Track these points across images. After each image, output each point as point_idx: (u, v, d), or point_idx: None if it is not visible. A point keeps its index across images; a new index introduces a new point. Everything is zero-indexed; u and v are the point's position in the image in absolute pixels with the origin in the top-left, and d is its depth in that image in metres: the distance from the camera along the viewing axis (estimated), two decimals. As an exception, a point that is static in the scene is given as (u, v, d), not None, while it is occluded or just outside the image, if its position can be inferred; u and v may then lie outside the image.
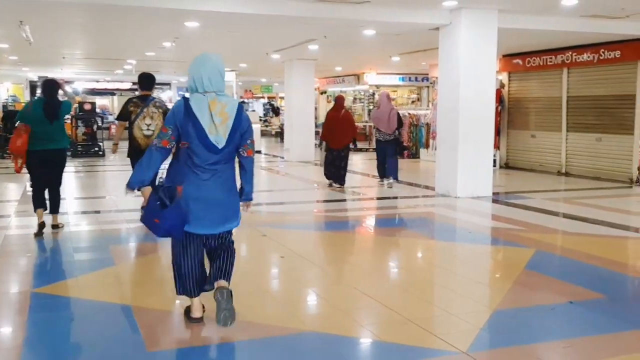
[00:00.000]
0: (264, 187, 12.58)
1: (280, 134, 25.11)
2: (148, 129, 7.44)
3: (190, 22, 10.32)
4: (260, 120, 26.08)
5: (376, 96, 20.87)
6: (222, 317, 3.93)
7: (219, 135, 3.81)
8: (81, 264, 5.86)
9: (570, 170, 13.24)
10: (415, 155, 17.20)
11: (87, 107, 17.90)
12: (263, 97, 36.75)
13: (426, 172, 13.58)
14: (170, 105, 4.97)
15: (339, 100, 11.41)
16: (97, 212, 8.67)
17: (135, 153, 7.47)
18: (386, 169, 11.44)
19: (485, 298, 4.95)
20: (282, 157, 17.63)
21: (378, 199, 10.50)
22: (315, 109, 21.86)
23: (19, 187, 10.74)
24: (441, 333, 4.02)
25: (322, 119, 24.02)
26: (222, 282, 4.04)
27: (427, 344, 3.84)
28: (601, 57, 12.22)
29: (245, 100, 34.79)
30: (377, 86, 22.59)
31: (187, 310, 4.20)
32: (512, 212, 8.63)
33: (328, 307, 4.66)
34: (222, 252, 4.11)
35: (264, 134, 26.29)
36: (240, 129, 3.91)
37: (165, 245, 6.04)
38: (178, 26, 10.91)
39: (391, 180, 11.39)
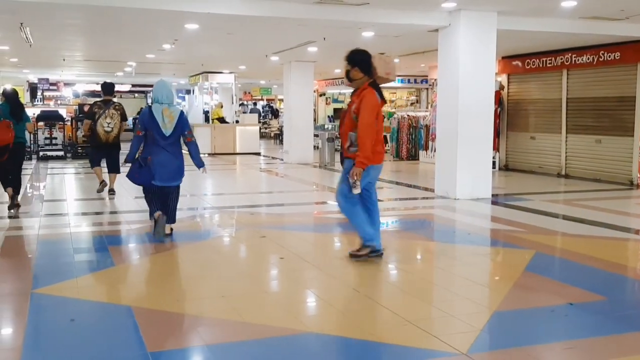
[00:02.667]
0: (263, 189, 12.60)
1: (279, 136, 25.10)
2: (108, 126, 9.59)
3: (189, 25, 10.33)
4: (259, 122, 26.08)
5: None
6: (155, 233, 6.59)
7: (167, 128, 6.47)
8: (81, 265, 5.87)
9: (570, 172, 13.25)
10: (414, 157, 17.22)
11: (87, 109, 17.74)
12: (262, 100, 36.77)
13: (425, 174, 13.59)
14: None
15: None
16: (97, 213, 8.68)
17: (97, 145, 9.84)
18: None
19: (485, 299, 4.95)
20: (281, 159, 17.63)
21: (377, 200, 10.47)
22: (314, 111, 21.85)
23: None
24: (441, 334, 4.01)
25: (321, 121, 24.11)
26: (167, 229, 6.71)
27: (426, 345, 3.84)
28: (601, 59, 12.23)
29: (245, 103, 34.92)
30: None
31: (155, 222, 6.58)
32: (512, 214, 8.64)
33: (327, 308, 4.66)
34: (171, 198, 6.70)
35: (262, 136, 26.28)
36: (181, 124, 6.56)
37: (164, 249, 6.06)
38: (178, 28, 10.92)
39: None
